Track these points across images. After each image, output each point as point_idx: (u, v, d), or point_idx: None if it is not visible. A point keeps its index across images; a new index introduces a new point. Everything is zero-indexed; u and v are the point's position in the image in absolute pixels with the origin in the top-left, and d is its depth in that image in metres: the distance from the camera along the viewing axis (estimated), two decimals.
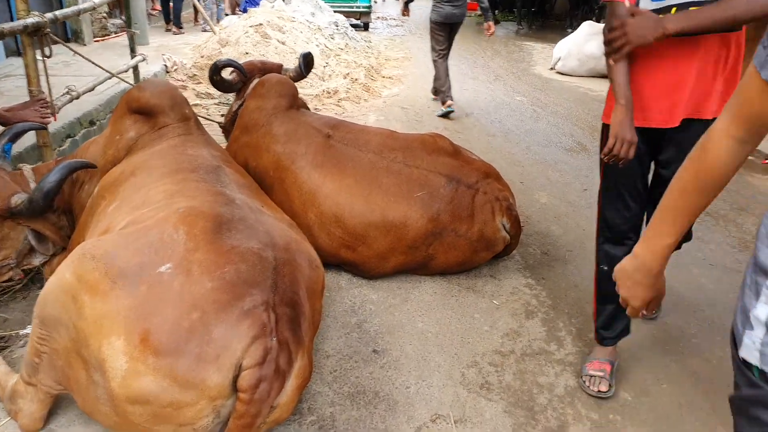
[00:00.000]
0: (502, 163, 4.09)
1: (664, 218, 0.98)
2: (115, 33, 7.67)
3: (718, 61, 1.63)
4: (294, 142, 2.66)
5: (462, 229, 2.45)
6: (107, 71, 3.44)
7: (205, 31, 8.80)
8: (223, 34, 6.70)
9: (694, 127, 1.66)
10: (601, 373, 1.90)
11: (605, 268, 1.93)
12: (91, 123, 4.22)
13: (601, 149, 1.84)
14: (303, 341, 1.52)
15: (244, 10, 9.39)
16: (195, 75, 6.10)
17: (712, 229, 3.23)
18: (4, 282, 2.18)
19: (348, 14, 10.44)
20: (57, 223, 2.28)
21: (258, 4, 8.69)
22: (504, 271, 2.69)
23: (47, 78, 2.79)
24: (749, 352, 0.79)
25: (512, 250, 2.67)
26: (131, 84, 3.67)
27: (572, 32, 8.83)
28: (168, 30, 9.02)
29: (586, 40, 7.86)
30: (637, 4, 1.65)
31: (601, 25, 8.37)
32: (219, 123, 3.36)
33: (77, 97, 3.33)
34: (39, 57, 2.75)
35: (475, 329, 2.22)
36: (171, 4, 8.95)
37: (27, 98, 2.74)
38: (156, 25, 9.53)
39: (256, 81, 3.05)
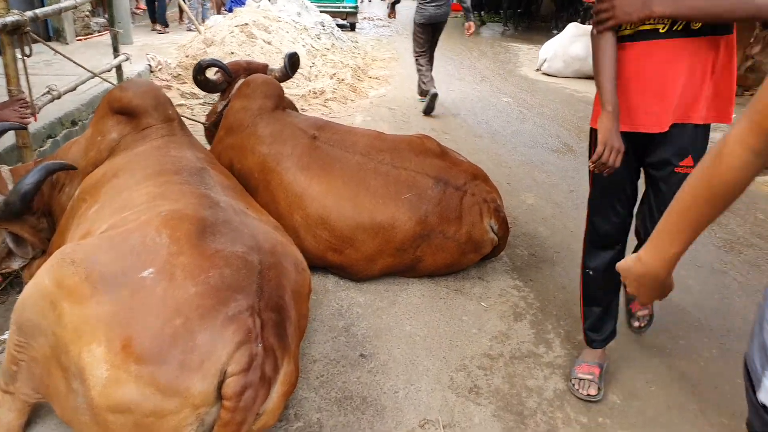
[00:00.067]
0: (489, 164, 4.10)
1: (673, 226, 0.93)
2: (99, 32, 7.54)
3: (707, 65, 1.60)
4: (280, 144, 2.63)
5: (450, 231, 2.45)
6: (89, 71, 3.36)
7: (190, 30, 8.71)
8: (209, 34, 6.63)
9: (683, 131, 1.66)
10: (590, 377, 1.90)
11: (591, 272, 1.93)
12: (73, 123, 4.14)
13: (590, 154, 1.82)
14: (289, 347, 1.50)
15: (230, 10, 9.29)
16: (180, 75, 6.03)
17: None
18: None
19: (334, 14, 10.40)
20: (36, 225, 2.22)
21: (244, 3, 8.62)
22: (492, 273, 2.69)
23: (27, 77, 2.73)
24: None
25: (500, 251, 2.67)
26: (114, 84, 3.60)
27: (558, 34, 8.92)
28: (153, 29, 8.90)
29: (571, 41, 7.93)
30: None
31: (587, 27, 8.49)
32: (203, 123, 3.31)
33: (58, 97, 3.25)
34: (19, 56, 2.69)
35: (464, 332, 2.21)
36: (156, 2, 8.84)
37: (6, 98, 2.68)
38: (140, 24, 9.40)
39: (241, 81, 3.02)
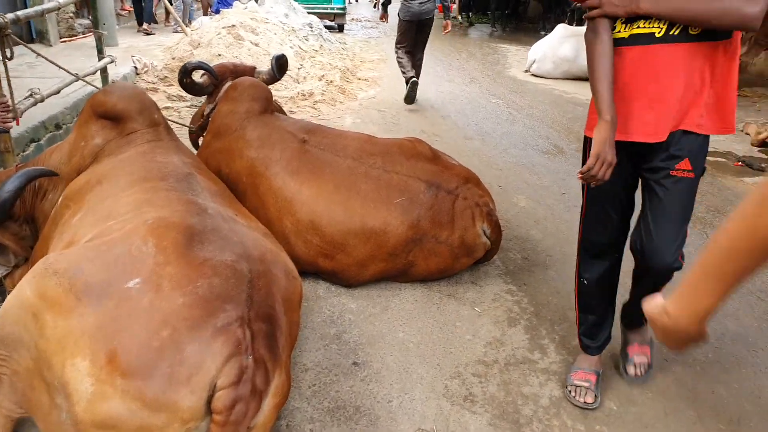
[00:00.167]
0: (480, 166, 4.09)
1: (706, 277, 0.82)
2: (83, 33, 7.43)
3: (706, 71, 1.54)
4: (268, 148, 2.59)
5: (442, 236, 2.42)
6: (72, 74, 3.30)
7: (176, 32, 8.61)
8: (195, 36, 6.55)
9: (681, 137, 1.59)
10: (586, 384, 1.88)
11: (585, 281, 1.90)
12: (57, 127, 4.06)
13: (583, 163, 1.76)
14: (280, 358, 1.46)
15: (217, 11, 9.22)
16: (166, 77, 5.94)
17: (689, 233, 3.27)
18: None
19: (322, 16, 10.36)
20: (18, 233, 2.17)
21: (230, 5, 8.55)
22: (485, 277, 2.66)
23: (8, 80, 2.66)
24: None
25: (493, 255, 2.66)
26: (97, 87, 3.53)
27: (546, 35, 8.97)
28: (140, 31, 8.79)
29: (560, 42, 7.98)
30: None
31: (576, 28, 8.55)
32: (189, 127, 3.25)
33: (41, 100, 3.19)
34: (0, 59, 2.63)
35: (458, 338, 2.19)
36: (143, 3, 8.74)
37: None
38: (126, 26, 9.28)
39: (228, 84, 2.97)
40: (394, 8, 6.22)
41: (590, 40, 1.62)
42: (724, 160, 4.68)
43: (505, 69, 8.90)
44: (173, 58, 6.25)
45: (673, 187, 1.61)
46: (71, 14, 7.37)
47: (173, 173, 1.92)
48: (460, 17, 16.13)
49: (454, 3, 17.08)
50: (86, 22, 7.52)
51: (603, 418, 1.83)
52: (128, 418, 1.24)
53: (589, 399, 1.86)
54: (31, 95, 3.09)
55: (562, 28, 8.25)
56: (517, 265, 2.80)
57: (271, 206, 2.50)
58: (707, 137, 1.62)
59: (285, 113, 3.11)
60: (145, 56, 6.30)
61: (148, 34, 8.56)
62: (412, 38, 5.90)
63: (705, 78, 1.54)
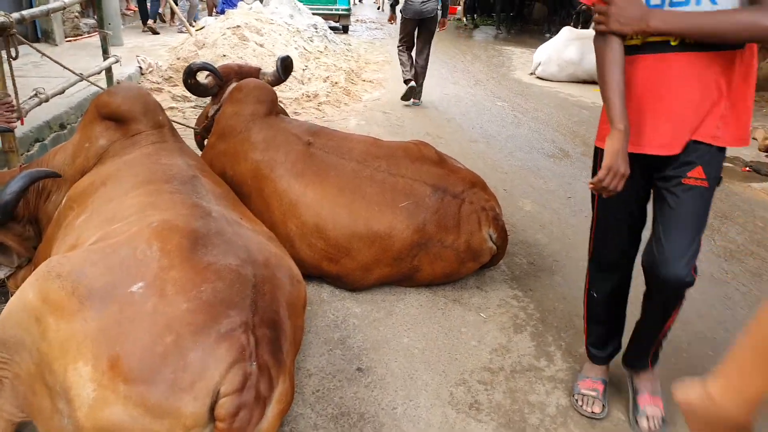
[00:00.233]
0: (485, 170, 4.07)
1: (759, 357, 0.72)
2: (88, 33, 7.44)
3: (722, 81, 1.46)
4: (273, 150, 2.58)
5: (448, 240, 2.40)
6: (77, 74, 3.29)
7: (181, 32, 8.62)
8: (200, 36, 6.56)
9: (695, 147, 1.50)
10: (593, 393, 1.85)
11: (595, 294, 1.86)
12: (62, 126, 4.06)
13: (593, 175, 1.70)
14: (284, 364, 1.44)
15: (221, 12, 9.23)
16: (171, 77, 5.95)
17: None
18: None
19: (327, 17, 10.37)
20: (22, 233, 2.16)
21: (235, 5, 8.56)
22: (491, 283, 2.64)
23: (13, 80, 2.66)
24: None
25: (499, 260, 2.63)
26: (101, 87, 3.52)
27: (551, 37, 8.95)
28: (145, 30, 8.81)
29: (566, 45, 7.95)
30: None
31: (581, 31, 8.52)
32: (194, 128, 3.24)
33: (46, 100, 3.18)
34: (5, 58, 2.62)
35: (463, 344, 2.16)
36: (148, 4, 8.76)
37: None
38: (131, 26, 9.30)
39: (233, 85, 2.95)
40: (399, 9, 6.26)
41: (600, 46, 1.54)
42: (731, 165, 4.64)
43: (510, 71, 8.88)
44: (178, 59, 6.26)
45: (684, 195, 1.54)
46: (77, 14, 7.39)
47: (178, 175, 1.91)
48: (464, 19, 16.13)
49: (459, 5, 17.10)
50: (91, 21, 7.53)
51: (611, 428, 1.81)
52: (130, 425, 1.23)
53: (597, 408, 1.83)
54: (35, 95, 3.08)
55: (567, 31, 8.23)
56: (523, 270, 2.77)
57: (276, 209, 2.48)
58: (723, 151, 1.55)
59: (287, 115, 3.10)
60: (149, 56, 6.31)
61: (154, 32, 8.57)
62: (413, 36, 6.02)
63: (722, 88, 1.47)
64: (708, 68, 1.46)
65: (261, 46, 6.32)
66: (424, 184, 2.46)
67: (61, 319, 1.30)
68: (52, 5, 3.44)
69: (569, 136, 5.37)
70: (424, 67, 6.16)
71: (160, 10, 9.08)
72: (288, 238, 2.42)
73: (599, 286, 1.84)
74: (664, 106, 1.51)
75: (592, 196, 1.78)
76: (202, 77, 3.01)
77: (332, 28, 9.57)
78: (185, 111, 5.22)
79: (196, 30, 7.27)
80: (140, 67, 5.97)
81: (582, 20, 11.45)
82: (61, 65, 3.11)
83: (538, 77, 8.26)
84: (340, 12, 11.45)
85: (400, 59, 6.16)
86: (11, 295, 2.11)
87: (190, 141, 2.85)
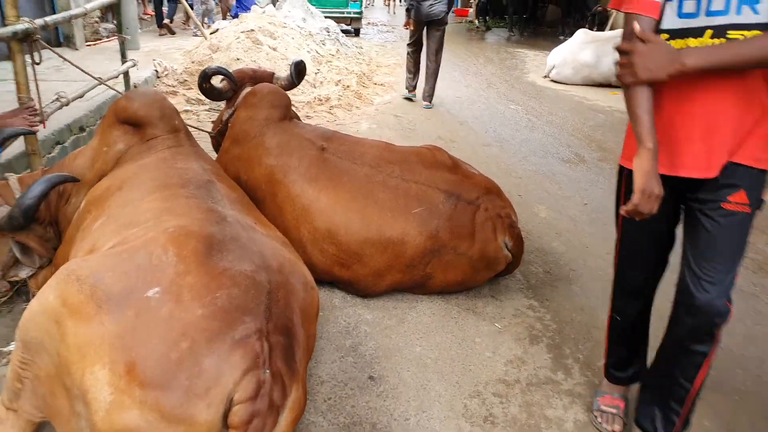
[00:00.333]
0: (499, 174, 4.04)
1: None
2: (107, 37, 7.56)
3: (765, 98, 1.35)
4: (287, 155, 2.58)
5: (462, 247, 2.38)
6: (96, 78, 3.34)
7: (195, 35, 8.71)
8: (214, 40, 6.62)
9: (735, 169, 1.39)
10: (614, 410, 1.79)
11: (619, 318, 1.79)
12: (81, 129, 4.12)
13: (619, 194, 1.63)
14: (297, 372, 1.44)
15: (235, 15, 9.31)
16: (186, 80, 6.01)
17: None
18: None
19: (339, 20, 10.40)
20: (43, 235, 2.20)
21: (249, 9, 8.62)
22: (505, 291, 2.61)
23: (36, 85, 2.71)
24: None
25: (514, 269, 2.60)
26: (119, 92, 3.57)
27: (565, 40, 8.87)
28: (161, 33, 8.93)
29: (581, 48, 7.87)
30: (661, 19, 1.38)
31: (596, 33, 8.43)
32: (209, 132, 3.27)
33: (67, 104, 3.24)
34: (29, 62, 2.67)
35: (477, 355, 2.13)
36: (164, 8, 8.89)
37: (16, 105, 2.67)
38: (148, 30, 9.43)
39: (247, 90, 2.97)
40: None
41: (632, 23, 1.39)
42: None
43: (523, 74, 8.81)
44: (192, 62, 6.32)
45: (724, 221, 1.42)
46: (96, 19, 7.51)
47: (193, 180, 1.92)
48: (476, 21, 16.08)
49: (470, 7, 17.05)
50: (110, 26, 7.65)
51: None
52: (146, 430, 1.23)
53: (617, 427, 1.76)
54: (57, 99, 3.13)
55: (582, 33, 8.15)
56: (539, 279, 2.73)
57: (289, 214, 2.48)
58: (765, 174, 1.42)
59: (299, 119, 3.10)
60: (165, 60, 6.38)
61: (171, 32, 8.69)
62: (421, 39, 6.16)
63: (765, 105, 1.36)
64: (750, 83, 1.35)
65: (274, 49, 6.35)
66: (438, 190, 2.45)
67: (79, 322, 1.31)
68: (74, 11, 3.50)
69: (585, 141, 5.30)
70: (436, 70, 6.17)
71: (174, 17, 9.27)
72: (300, 243, 2.42)
73: (623, 310, 1.77)
74: (700, 125, 1.39)
75: (617, 216, 1.68)
76: (216, 81, 3.03)
77: (344, 32, 9.59)
78: (199, 114, 5.26)
79: (210, 33, 7.33)
80: (156, 71, 6.05)
81: (597, 22, 11.33)
82: (82, 70, 3.16)
83: (552, 80, 8.19)
84: (352, 15, 11.49)
85: (406, 64, 6.43)
86: (32, 296, 2.15)
87: (205, 144, 2.88)
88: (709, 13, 1.34)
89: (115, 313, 1.31)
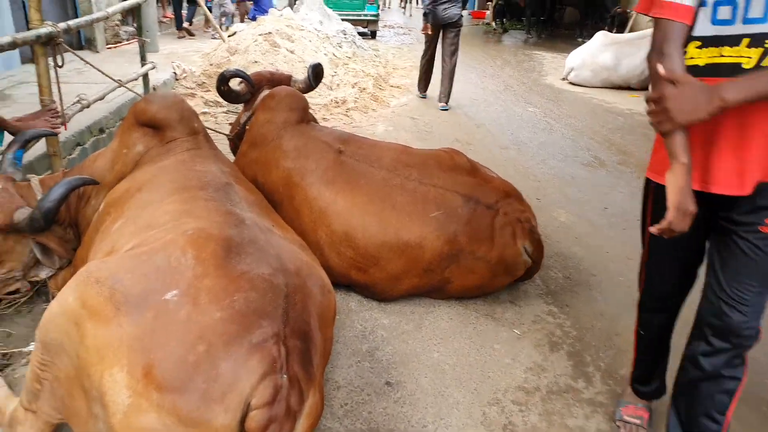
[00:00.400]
0: (517, 177, 3.98)
1: None
2: (127, 40, 7.69)
3: None
4: (304, 158, 2.58)
5: (480, 252, 2.34)
6: (116, 80, 3.38)
7: (214, 38, 8.81)
8: (232, 42, 6.67)
9: None
10: (638, 421, 1.75)
11: (643, 333, 1.75)
12: (101, 131, 4.18)
13: (645, 208, 1.56)
14: (314, 377, 1.42)
15: (253, 18, 9.40)
16: (204, 83, 6.07)
17: None
18: (10, 294, 2.12)
19: (355, 22, 10.43)
20: (63, 236, 2.23)
21: (266, 11, 8.69)
22: (524, 297, 2.56)
23: (59, 87, 2.75)
24: None
25: (533, 274, 2.55)
26: (138, 94, 3.61)
27: (583, 42, 8.77)
28: (181, 35, 9.07)
29: (600, 50, 7.77)
30: (693, 26, 1.30)
31: (616, 35, 8.31)
32: (227, 135, 3.28)
33: (87, 106, 3.29)
34: (51, 65, 2.72)
35: (496, 362, 2.10)
36: (184, 11, 9.03)
37: (39, 106, 2.72)
38: (167, 32, 9.57)
39: (265, 93, 2.98)
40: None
41: (656, 63, 1.31)
42: None
43: (541, 77, 8.73)
44: (211, 64, 6.38)
45: (762, 244, 1.35)
46: (117, 22, 7.65)
47: (212, 182, 1.93)
48: (493, 24, 15.99)
49: (487, 9, 16.97)
50: (131, 29, 7.78)
51: None
52: None
53: None
54: (78, 101, 3.18)
55: (602, 36, 8.05)
56: (559, 285, 2.68)
57: (306, 217, 2.48)
58: None
59: (317, 122, 3.10)
60: (184, 62, 6.45)
61: (190, 34, 8.81)
62: (435, 42, 6.26)
63: None
64: None
65: (292, 52, 6.38)
66: (456, 193, 2.42)
67: (98, 324, 1.31)
68: (96, 15, 3.56)
69: (604, 144, 5.22)
70: (452, 71, 6.18)
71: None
72: (317, 246, 2.41)
73: (649, 325, 1.72)
74: (733, 140, 1.31)
75: (643, 230, 1.62)
76: (234, 84, 3.04)
77: (361, 34, 9.62)
78: (217, 116, 5.31)
79: (228, 36, 7.40)
80: (175, 73, 6.12)
81: (617, 24, 11.18)
82: (102, 72, 3.20)
83: (570, 83, 8.09)
84: (369, 18, 11.52)
85: (420, 67, 6.64)
86: (52, 296, 2.17)
87: (222, 146, 2.89)
88: (747, 21, 1.25)
89: (133, 315, 1.31)
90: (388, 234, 2.35)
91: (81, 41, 6.94)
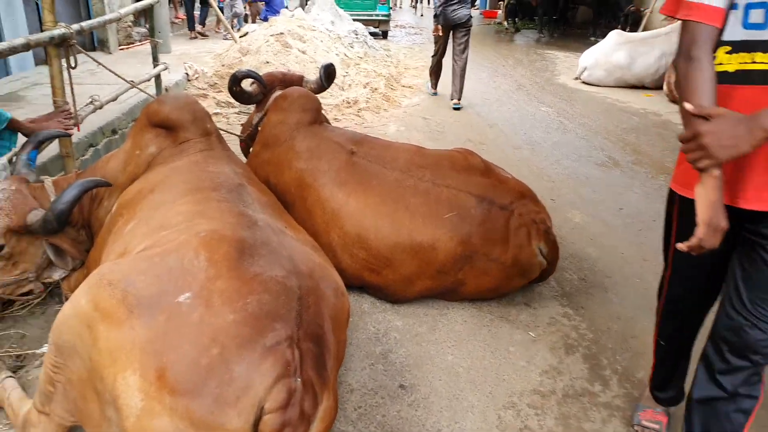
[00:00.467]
0: (531, 177, 3.93)
1: None
2: (140, 41, 7.75)
3: None
4: (317, 159, 2.56)
5: (495, 254, 2.31)
6: (128, 81, 3.40)
7: (225, 39, 8.85)
8: (244, 43, 6.69)
9: None
10: (656, 426, 1.71)
11: (663, 343, 1.70)
12: (114, 132, 4.21)
13: (670, 221, 1.49)
14: (328, 380, 1.40)
15: (265, 19, 9.43)
16: (216, 83, 6.09)
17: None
18: (23, 295, 2.13)
19: (367, 23, 10.42)
20: (76, 237, 2.24)
21: (278, 12, 8.71)
22: (539, 299, 2.52)
23: (72, 88, 2.76)
24: None
25: (548, 276, 2.51)
26: (151, 95, 3.63)
27: (596, 41, 8.66)
28: (193, 36, 9.13)
29: (614, 49, 7.67)
30: (724, 27, 1.23)
31: (630, 34, 8.20)
32: (239, 136, 3.28)
33: (100, 107, 3.31)
34: (64, 66, 2.73)
35: (511, 365, 2.07)
36: (197, 13, 9.10)
37: (52, 108, 2.73)
38: (179, 33, 9.64)
39: (277, 93, 2.97)
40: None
41: (686, 70, 1.23)
42: None
43: (554, 76, 8.64)
44: (222, 65, 6.40)
45: None
46: (129, 23, 7.71)
47: (225, 183, 1.92)
48: (505, 23, 15.89)
49: (500, 9, 16.87)
50: (143, 30, 7.84)
51: None
52: None
53: None
54: (91, 102, 3.20)
55: (616, 35, 7.96)
56: (574, 287, 2.64)
57: (319, 218, 2.46)
58: None
59: (329, 123, 3.09)
60: (196, 63, 6.49)
61: (203, 35, 8.88)
62: (445, 44, 6.30)
63: None
64: None
65: (303, 53, 6.39)
66: (470, 194, 2.38)
67: (110, 326, 1.30)
68: (108, 16, 3.58)
69: (619, 144, 5.14)
70: (463, 68, 6.18)
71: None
72: (330, 248, 2.39)
73: (669, 335, 1.68)
74: (763, 154, 1.23)
75: (666, 243, 1.56)
76: (246, 85, 3.04)
77: (372, 34, 9.60)
78: (229, 117, 5.32)
79: (240, 37, 7.43)
80: (187, 74, 6.15)
81: (630, 22, 11.04)
82: (115, 73, 3.22)
83: (583, 82, 8.00)
84: (380, 18, 11.52)
85: (430, 68, 6.75)
86: (65, 298, 2.18)
87: (233, 147, 2.89)
88: None
89: (146, 318, 1.30)
90: (401, 235, 2.32)
91: (94, 42, 7.01)
